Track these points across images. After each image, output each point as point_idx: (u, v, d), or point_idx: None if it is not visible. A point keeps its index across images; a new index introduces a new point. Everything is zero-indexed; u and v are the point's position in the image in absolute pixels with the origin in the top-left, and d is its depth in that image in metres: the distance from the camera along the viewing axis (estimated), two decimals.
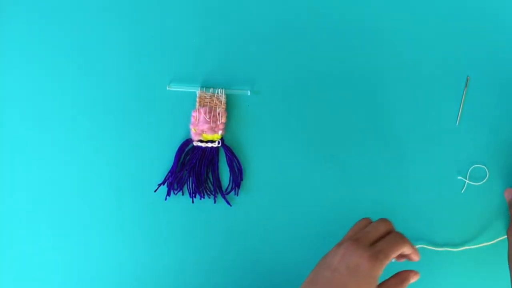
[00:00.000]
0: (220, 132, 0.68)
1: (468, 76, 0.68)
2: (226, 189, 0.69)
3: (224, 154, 0.69)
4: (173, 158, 0.68)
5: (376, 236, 0.56)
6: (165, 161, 0.69)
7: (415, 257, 0.58)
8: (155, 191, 0.68)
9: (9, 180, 0.69)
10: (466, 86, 0.68)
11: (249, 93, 0.68)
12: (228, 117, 0.69)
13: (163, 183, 0.68)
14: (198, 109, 0.68)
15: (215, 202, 0.69)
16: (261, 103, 0.69)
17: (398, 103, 0.70)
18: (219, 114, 0.68)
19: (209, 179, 0.69)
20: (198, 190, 0.68)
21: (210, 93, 0.68)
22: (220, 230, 0.69)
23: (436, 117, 0.70)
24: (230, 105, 0.69)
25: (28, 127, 0.69)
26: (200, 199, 0.69)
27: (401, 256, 0.58)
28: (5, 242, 0.69)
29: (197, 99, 0.68)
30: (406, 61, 0.70)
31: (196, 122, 0.68)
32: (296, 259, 0.70)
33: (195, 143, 0.68)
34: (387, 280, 0.57)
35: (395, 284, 0.57)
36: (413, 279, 0.58)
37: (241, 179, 0.69)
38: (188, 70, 0.69)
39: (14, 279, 0.69)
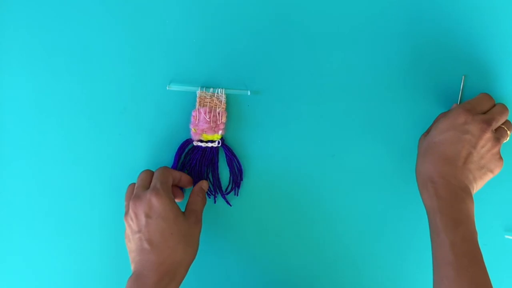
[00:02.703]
0: (220, 132, 0.68)
1: (464, 75, 0.68)
2: (226, 189, 0.69)
3: (224, 154, 0.69)
4: (173, 158, 0.68)
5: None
6: (165, 161, 0.69)
7: None
8: None
9: (8, 180, 0.69)
10: (462, 86, 0.68)
11: (249, 93, 0.68)
12: (228, 117, 0.69)
13: None
14: (198, 109, 0.68)
15: (215, 202, 0.69)
16: (261, 103, 0.69)
17: (397, 102, 0.70)
18: (219, 114, 0.68)
19: (209, 179, 0.69)
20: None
21: (210, 93, 0.68)
22: (220, 230, 0.69)
23: (435, 115, 0.70)
24: (230, 105, 0.69)
25: (28, 128, 0.69)
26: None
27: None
28: (5, 242, 0.69)
29: (197, 99, 0.68)
30: (405, 60, 0.70)
31: (196, 122, 0.68)
32: (296, 259, 0.70)
33: (195, 143, 0.68)
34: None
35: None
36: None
37: (241, 179, 0.69)
38: (188, 70, 0.69)
39: (14, 279, 0.69)
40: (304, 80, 0.69)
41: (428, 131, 0.65)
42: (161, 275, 0.59)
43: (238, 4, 0.69)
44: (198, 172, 0.69)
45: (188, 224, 0.63)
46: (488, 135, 0.60)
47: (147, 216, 0.61)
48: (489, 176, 0.62)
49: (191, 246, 0.63)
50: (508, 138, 0.64)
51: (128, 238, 0.63)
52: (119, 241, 0.68)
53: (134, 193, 0.63)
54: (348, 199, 0.70)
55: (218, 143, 0.68)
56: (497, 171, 0.63)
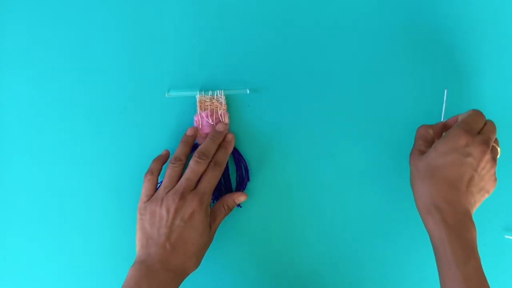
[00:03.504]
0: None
1: (446, 88, 0.67)
2: (236, 190, 0.69)
3: (230, 156, 0.69)
4: None
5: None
6: None
7: None
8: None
9: (8, 180, 0.68)
10: (445, 99, 0.66)
11: (248, 91, 0.68)
12: (230, 118, 0.68)
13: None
14: (200, 114, 0.68)
15: None
16: (261, 101, 0.69)
17: (397, 102, 0.70)
18: (221, 115, 0.68)
19: (221, 182, 0.69)
20: (214, 193, 0.68)
21: (209, 96, 0.68)
22: (228, 231, 0.69)
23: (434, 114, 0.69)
24: (230, 105, 0.68)
25: (28, 128, 0.68)
26: (213, 201, 0.69)
27: None
28: (5, 242, 0.69)
29: (198, 104, 0.68)
30: (405, 59, 0.70)
31: (200, 127, 0.68)
32: (301, 259, 0.70)
33: None
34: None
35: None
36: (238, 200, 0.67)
37: (248, 180, 0.69)
38: (185, 76, 0.68)
39: (14, 278, 0.69)
40: (304, 76, 0.69)
41: (417, 150, 0.62)
42: (172, 277, 0.60)
43: (234, 2, 0.69)
44: None
45: (209, 238, 0.64)
46: (487, 156, 0.59)
47: (182, 219, 0.61)
48: (486, 197, 0.61)
49: (201, 258, 0.63)
50: (499, 154, 0.63)
51: (147, 221, 0.62)
52: (119, 241, 0.68)
53: (181, 189, 0.62)
54: (352, 197, 0.69)
55: None
56: (492, 190, 0.62)
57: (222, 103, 0.68)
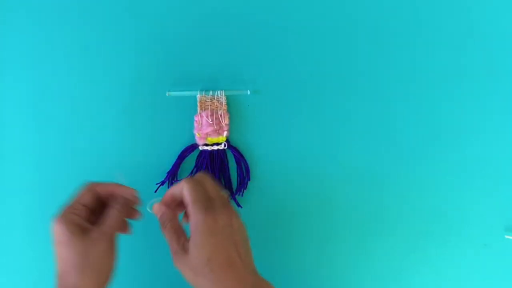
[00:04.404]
0: (225, 133, 0.68)
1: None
2: (236, 190, 0.69)
3: (231, 156, 0.69)
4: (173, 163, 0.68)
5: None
6: (167, 167, 0.68)
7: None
8: (155, 191, 0.68)
9: (8, 180, 0.68)
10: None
11: (248, 92, 0.67)
12: (230, 118, 0.68)
13: (161, 183, 0.68)
14: (200, 113, 0.67)
15: None
16: (261, 102, 0.68)
17: (398, 102, 0.69)
18: (221, 116, 0.67)
19: (222, 182, 0.69)
20: None
21: (210, 96, 0.67)
22: None
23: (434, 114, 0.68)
24: (230, 106, 0.68)
25: (30, 130, 0.68)
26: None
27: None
28: (5, 242, 0.69)
29: (198, 103, 0.67)
30: (406, 58, 0.69)
31: (199, 127, 0.67)
32: (302, 258, 0.70)
33: (201, 148, 0.68)
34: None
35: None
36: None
37: (249, 180, 0.68)
38: (186, 75, 0.68)
39: (14, 278, 0.69)
40: (304, 78, 0.68)
41: (178, 249, 0.54)
42: None
43: (233, 3, 0.68)
44: (211, 176, 0.68)
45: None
46: (234, 214, 0.55)
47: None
48: (249, 241, 0.57)
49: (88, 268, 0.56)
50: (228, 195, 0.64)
51: None
52: (119, 241, 0.68)
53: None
54: (353, 197, 0.69)
55: (224, 145, 0.68)
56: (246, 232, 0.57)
57: (222, 103, 0.67)
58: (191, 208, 0.54)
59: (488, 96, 0.69)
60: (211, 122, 0.67)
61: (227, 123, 0.67)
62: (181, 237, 0.55)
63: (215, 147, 0.68)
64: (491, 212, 0.69)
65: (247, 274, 0.54)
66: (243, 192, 0.69)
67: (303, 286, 0.70)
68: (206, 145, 0.68)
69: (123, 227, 0.60)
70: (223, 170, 0.69)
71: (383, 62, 0.68)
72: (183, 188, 0.55)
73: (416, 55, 0.69)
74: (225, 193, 0.59)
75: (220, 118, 0.67)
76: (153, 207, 0.58)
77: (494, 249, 0.69)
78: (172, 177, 0.68)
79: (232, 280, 0.53)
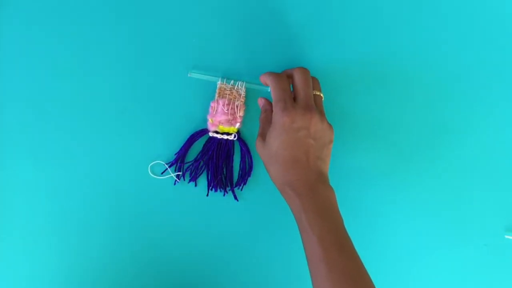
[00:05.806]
0: (237, 125, 0.67)
1: None
2: (236, 183, 0.69)
3: (238, 148, 0.68)
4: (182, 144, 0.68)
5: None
6: (177, 148, 0.68)
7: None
8: (161, 173, 0.68)
9: (8, 180, 0.68)
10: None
11: (269, 89, 0.67)
12: (246, 111, 0.68)
13: (170, 165, 0.68)
14: (217, 100, 0.67)
15: (224, 195, 0.69)
16: None
17: (398, 102, 0.69)
18: (237, 107, 0.67)
19: (223, 172, 0.68)
20: (215, 182, 0.68)
21: (230, 85, 0.67)
22: (226, 227, 0.69)
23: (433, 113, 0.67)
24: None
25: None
26: (215, 191, 0.68)
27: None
28: (5, 242, 0.69)
29: (217, 90, 0.67)
30: (406, 58, 0.69)
31: (214, 113, 0.67)
32: (301, 253, 0.68)
33: (210, 134, 0.68)
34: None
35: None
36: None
37: (249, 176, 0.68)
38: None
39: (14, 279, 0.69)
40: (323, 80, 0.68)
41: (260, 136, 0.63)
42: None
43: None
44: (216, 164, 0.68)
45: None
46: (314, 118, 0.60)
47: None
48: (331, 146, 0.62)
49: None
50: (323, 97, 0.64)
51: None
52: (120, 241, 0.68)
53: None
54: (354, 198, 0.69)
55: (234, 136, 0.68)
56: (333, 137, 0.62)
57: (241, 94, 0.67)
58: (273, 105, 0.61)
59: (488, 96, 0.69)
60: (226, 111, 0.67)
61: (242, 115, 0.67)
62: (267, 127, 0.62)
63: (225, 136, 0.68)
64: (491, 212, 0.69)
65: (310, 174, 0.59)
66: (242, 186, 0.68)
67: (303, 286, 0.69)
68: (217, 132, 0.68)
69: None
70: (227, 161, 0.68)
71: (385, 62, 0.68)
72: (271, 88, 0.62)
73: (416, 55, 0.68)
74: (317, 93, 0.63)
75: (236, 109, 0.67)
76: (258, 100, 0.66)
77: (494, 249, 0.69)
78: (180, 159, 0.68)
79: (292, 175, 0.59)
